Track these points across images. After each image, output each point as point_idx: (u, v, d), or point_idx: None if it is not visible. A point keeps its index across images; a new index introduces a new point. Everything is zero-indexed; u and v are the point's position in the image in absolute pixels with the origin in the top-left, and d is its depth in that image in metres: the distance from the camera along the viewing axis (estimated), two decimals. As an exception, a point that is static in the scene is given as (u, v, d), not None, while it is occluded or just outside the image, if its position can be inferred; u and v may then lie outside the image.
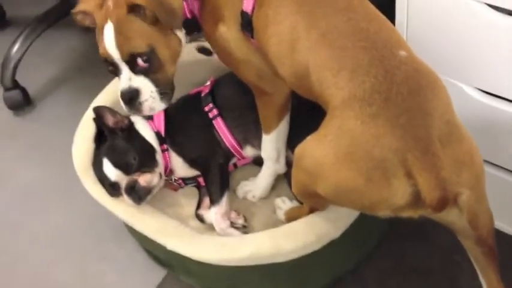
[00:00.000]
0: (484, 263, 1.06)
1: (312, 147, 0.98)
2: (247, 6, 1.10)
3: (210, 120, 1.39)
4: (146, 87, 1.17)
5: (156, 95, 1.17)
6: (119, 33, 1.12)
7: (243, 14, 1.11)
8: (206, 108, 1.40)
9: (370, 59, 0.95)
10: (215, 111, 1.39)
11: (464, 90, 1.21)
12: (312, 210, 1.22)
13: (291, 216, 1.30)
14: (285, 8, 1.05)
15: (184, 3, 1.17)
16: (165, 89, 1.18)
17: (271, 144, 1.31)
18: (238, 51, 1.17)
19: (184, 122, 1.41)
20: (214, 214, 1.35)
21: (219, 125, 1.38)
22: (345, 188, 0.95)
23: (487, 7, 1.07)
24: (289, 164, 1.34)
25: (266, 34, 1.08)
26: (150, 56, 1.13)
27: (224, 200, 1.35)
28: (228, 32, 1.15)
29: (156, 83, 1.17)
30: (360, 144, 0.92)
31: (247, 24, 1.11)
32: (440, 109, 0.95)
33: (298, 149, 1.01)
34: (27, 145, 1.86)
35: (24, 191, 1.74)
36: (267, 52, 1.10)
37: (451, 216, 0.99)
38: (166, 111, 1.42)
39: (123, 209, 1.32)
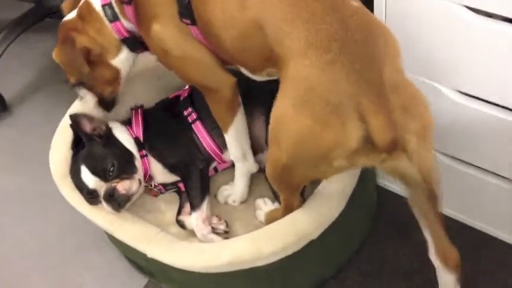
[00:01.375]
0: (433, 219, 1.10)
1: (275, 106, 1.00)
2: None
3: (189, 124, 1.37)
4: (89, 97, 1.36)
5: (97, 105, 1.37)
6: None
7: (180, 2, 1.11)
8: (185, 112, 1.38)
9: (323, 8, 0.97)
10: (194, 115, 1.38)
11: (442, 92, 1.22)
12: (287, 207, 1.21)
13: (270, 218, 1.29)
14: None
15: (118, 23, 1.23)
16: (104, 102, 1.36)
17: (233, 142, 1.32)
18: (176, 49, 1.17)
19: (163, 127, 1.40)
20: (195, 220, 1.34)
21: (198, 128, 1.37)
22: (303, 136, 0.97)
23: (465, 9, 1.07)
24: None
25: (209, 6, 1.08)
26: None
27: (205, 205, 1.34)
28: (163, 29, 1.15)
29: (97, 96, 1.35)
30: (316, 91, 0.94)
31: (185, 9, 1.11)
32: (391, 58, 0.99)
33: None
34: (3, 151, 1.84)
35: (1, 199, 1.71)
36: (211, 27, 1.09)
37: (402, 164, 1.00)
38: (144, 116, 1.41)
39: (102, 216, 1.31)
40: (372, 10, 1.19)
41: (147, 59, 1.39)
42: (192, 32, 1.14)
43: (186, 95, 1.41)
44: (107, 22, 1.24)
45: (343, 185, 1.25)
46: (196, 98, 1.39)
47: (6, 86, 1.97)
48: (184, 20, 1.13)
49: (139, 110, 1.43)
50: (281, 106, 0.99)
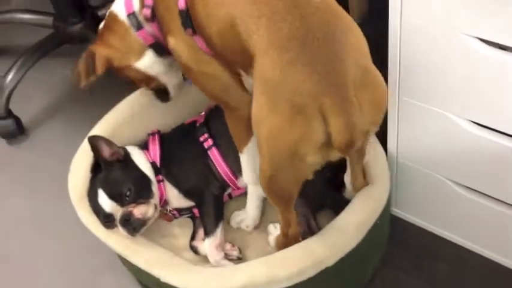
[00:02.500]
0: (358, 160, 1.26)
1: (253, 101, 1.02)
2: (181, 3, 1.14)
3: (205, 150, 1.39)
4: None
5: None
6: None
7: (181, 13, 1.15)
8: (201, 138, 1.40)
9: (285, 5, 0.97)
10: (210, 141, 1.39)
11: (456, 121, 1.23)
12: (285, 221, 1.23)
13: (278, 241, 1.31)
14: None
15: (143, 31, 1.27)
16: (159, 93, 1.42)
17: (247, 164, 1.33)
18: (191, 62, 1.20)
19: (179, 152, 1.42)
20: (208, 245, 1.35)
21: (214, 155, 1.39)
22: (273, 135, 0.99)
23: (478, 41, 1.09)
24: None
25: (198, 7, 1.11)
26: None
27: (219, 231, 1.35)
28: (176, 43, 1.20)
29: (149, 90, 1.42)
30: (281, 91, 0.96)
31: (186, 20, 1.15)
32: (355, 54, 0.98)
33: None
34: (20, 174, 1.86)
35: (17, 220, 1.73)
36: (202, 28, 1.12)
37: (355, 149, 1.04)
38: (161, 141, 1.44)
39: (116, 240, 1.32)
40: (385, 41, 1.21)
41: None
42: (198, 43, 1.17)
43: (202, 121, 1.43)
44: (133, 30, 1.29)
45: (362, 218, 1.25)
46: (212, 124, 1.41)
47: (24, 110, 2.00)
48: (187, 31, 1.16)
49: (156, 135, 1.45)
50: (257, 104, 1.01)
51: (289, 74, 0.95)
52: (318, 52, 0.95)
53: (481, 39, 1.08)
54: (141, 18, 1.28)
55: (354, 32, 1.02)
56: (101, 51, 1.31)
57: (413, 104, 1.27)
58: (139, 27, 1.29)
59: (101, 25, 1.37)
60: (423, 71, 1.20)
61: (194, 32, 1.16)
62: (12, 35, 2.29)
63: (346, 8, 1.45)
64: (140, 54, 1.32)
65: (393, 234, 1.50)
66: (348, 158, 1.27)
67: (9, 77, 1.93)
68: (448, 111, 1.23)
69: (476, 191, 1.33)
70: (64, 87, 2.08)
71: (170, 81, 1.40)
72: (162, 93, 1.43)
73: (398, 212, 1.54)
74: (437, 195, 1.40)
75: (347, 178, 1.33)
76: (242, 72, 1.18)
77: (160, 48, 1.30)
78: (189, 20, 1.15)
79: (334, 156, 1.03)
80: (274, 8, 0.98)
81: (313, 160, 1.03)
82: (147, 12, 1.24)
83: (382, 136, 1.38)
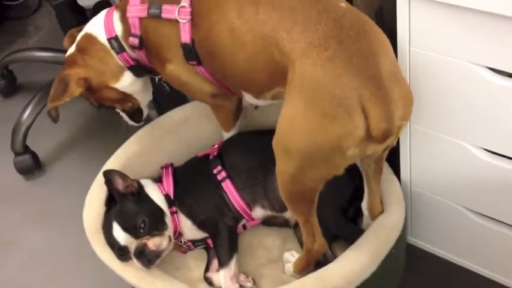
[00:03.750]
0: (375, 176, 1.26)
1: (285, 107, 1.07)
2: (185, 37, 1.21)
3: (219, 182, 1.40)
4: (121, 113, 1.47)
5: (126, 117, 1.48)
6: None
7: (184, 46, 1.21)
8: (214, 171, 1.41)
9: (317, 11, 1.06)
10: (223, 174, 1.40)
11: (468, 149, 1.23)
12: (308, 233, 1.23)
13: (298, 264, 1.31)
14: (223, 9, 1.15)
15: (124, 54, 1.32)
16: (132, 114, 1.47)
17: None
18: (192, 82, 1.30)
19: (192, 185, 1.43)
20: (223, 277, 1.34)
21: (228, 187, 1.39)
22: (315, 131, 1.03)
23: (487, 70, 1.09)
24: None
25: (212, 41, 1.17)
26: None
27: (233, 263, 1.35)
28: (176, 68, 1.27)
29: (124, 112, 1.46)
30: (322, 86, 1.01)
31: (189, 53, 1.22)
32: (385, 50, 1.07)
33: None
34: (36, 209, 1.88)
35: (33, 255, 1.74)
36: (216, 60, 1.20)
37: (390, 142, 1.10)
38: (175, 173, 1.45)
39: (132, 273, 1.32)
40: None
41: (174, 119, 1.45)
42: (199, 71, 1.26)
43: (215, 153, 1.44)
44: (113, 53, 1.34)
45: (377, 247, 1.25)
46: (225, 157, 1.43)
47: (40, 145, 2.03)
48: (191, 62, 1.24)
49: (169, 168, 1.46)
50: (291, 106, 1.06)
51: (329, 69, 1.01)
52: (353, 48, 1.03)
53: (490, 68, 1.09)
54: (123, 43, 1.32)
55: (379, 33, 1.09)
56: (76, 72, 1.33)
57: (425, 132, 1.27)
58: (121, 50, 1.32)
59: (71, 50, 1.38)
60: (433, 100, 1.21)
61: (198, 63, 1.23)
62: (29, 72, 2.34)
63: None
64: (119, 75, 1.36)
65: (409, 263, 1.49)
66: (365, 178, 1.29)
67: (26, 113, 1.97)
68: (460, 139, 1.23)
69: (491, 218, 1.32)
70: (79, 123, 2.12)
71: (144, 100, 1.45)
72: (135, 113, 1.47)
73: (414, 240, 1.53)
74: (453, 223, 1.40)
75: (364, 204, 1.34)
76: (246, 97, 1.26)
77: (139, 69, 1.35)
78: (194, 54, 1.21)
79: (372, 150, 1.08)
80: (308, 14, 1.06)
81: (353, 154, 1.06)
82: (135, 41, 1.28)
83: (395, 165, 1.38)
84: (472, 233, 1.38)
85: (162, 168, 1.47)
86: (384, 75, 1.03)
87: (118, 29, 1.32)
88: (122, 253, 1.32)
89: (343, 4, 1.10)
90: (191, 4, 1.19)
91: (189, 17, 1.19)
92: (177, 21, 1.20)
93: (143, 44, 1.28)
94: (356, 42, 1.04)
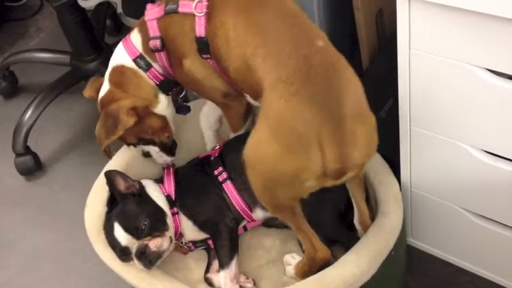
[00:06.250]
0: (357, 193, 1.29)
1: (254, 131, 1.12)
2: (200, 31, 1.23)
3: (220, 183, 1.40)
4: (152, 149, 1.46)
5: (161, 153, 1.46)
6: None
7: (198, 40, 1.24)
8: (215, 172, 1.41)
9: (292, 46, 1.10)
10: (224, 175, 1.40)
11: (469, 151, 1.23)
12: (304, 238, 1.25)
13: (300, 267, 1.32)
14: (227, 14, 1.20)
15: (152, 70, 1.34)
16: (166, 148, 1.46)
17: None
18: (205, 79, 1.31)
19: (194, 185, 1.43)
20: (223, 278, 1.35)
21: (229, 188, 1.40)
22: (276, 160, 1.08)
23: (487, 72, 1.10)
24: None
25: (216, 40, 1.21)
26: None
27: (233, 264, 1.35)
28: (192, 64, 1.28)
29: (159, 146, 1.45)
30: (285, 120, 1.06)
31: (203, 46, 1.24)
32: (352, 89, 1.09)
33: (246, 149, 1.12)
34: (37, 210, 1.88)
35: (34, 256, 1.75)
36: (219, 60, 1.23)
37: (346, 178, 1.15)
38: (176, 174, 1.45)
39: (133, 273, 1.32)
40: (396, 73, 1.23)
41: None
42: (212, 64, 1.28)
43: (216, 155, 1.45)
44: (142, 73, 1.34)
45: (376, 249, 1.25)
46: (226, 158, 1.43)
47: (42, 146, 2.04)
48: (204, 56, 1.26)
49: (171, 169, 1.47)
50: (259, 130, 1.10)
51: (292, 105, 1.06)
52: (319, 86, 1.06)
53: (490, 70, 1.10)
54: (147, 56, 1.33)
55: (350, 73, 1.12)
56: (125, 104, 1.33)
57: (425, 134, 1.27)
58: (148, 66, 1.33)
59: (103, 91, 1.38)
60: (434, 102, 1.21)
61: (210, 57, 1.26)
62: (31, 74, 2.35)
63: (356, 42, 1.48)
64: (156, 98, 1.37)
65: (410, 265, 1.49)
66: (351, 195, 1.31)
67: (27, 114, 1.97)
68: (460, 140, 1.23)
69: (491, 220, 1.32)
70: (81, 123, 2.12)
71: (174, 129, 1.45)
72: (171, 145, 1.47)
73: (414, 242, 1.53)
74: (453, 225, 1.40)
75: (355, 220, 1.35)
76: (248, 97, 1.30)
77: (167, 85, 1.36)
78: (207, 47, 1.23)
79: (330, 183, 1.13)
80: (283, 47, 1.11)
81: (312, 185, 1.12)
82: (156, 43, 1.29)
83: (395, 166, 1.39)
84: (473, 234, 1.38)
85: (163, 168, 1.48)
86: (346, 115, 1.06)
87: (137, 42, 1.33)
88: (123, 254, 1.32)
89: (321, 42, 1.13)
90: None
91: (205, 10, 1.22)
92: (193, 15, 1.23)
93: (164, 44, 1.29)
94: (323, 80, 1.07)
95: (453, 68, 1.13)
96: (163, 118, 1.40)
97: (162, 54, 1.31)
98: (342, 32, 1.49)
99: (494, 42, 1.05)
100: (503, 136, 1.17)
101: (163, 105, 1.38)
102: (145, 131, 1.39)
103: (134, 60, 1.33)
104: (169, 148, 1.47)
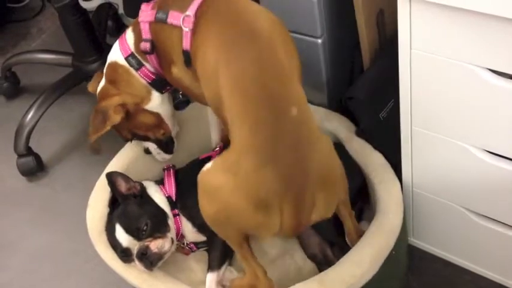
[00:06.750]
0: (344, 214, 1.31)
1: (214, 171, 1.15)
2: (186, 44, 1.23)
3: (221, 184, 1.40)
4: (151, 146, 1.48)
5: (158, 150, 1.48)
6: None
7: (184, 52, 1.24)
8: (216, 174, 1.41)
9: (267, 116, 1.10)
10: (225, 176, 1.40)
11: (470, 151, 1.23)
12: (251, 273, 1.26)
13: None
14: (208, 40, 1.19)
15: (143, 69, 1.34)
16: (165, 144, 1.47)
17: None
18: (193, 87, 1.30)
19: (194, 187, 1.42)
20: (209, 281, 1.35)
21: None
22: (235, 211, 1.12)
23: (488, 72, 1.10)
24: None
25: (197, 61, 1.22)
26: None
27: (222, 269, 1.36)
28: (180, 72, 1.29)
29: (156, 143, 1.46)
30: (251, 184, 1.10)
31: (188, 59, 1.25)
32: (320, 160, 1.13)
33: (203, 174, 1.16)
34: (39, 211, 1.88)
35: (36, 256, 1.75)
36: (200, 77, 1.23)
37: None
38: (177, 176, 1.45)
39: (134, 274, 1.33)
40: (397, 76, 1.23)
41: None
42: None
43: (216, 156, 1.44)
44: (133, 71, 1.35)
45: (377, 249, 1.25)
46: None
47: (44, 147, 2.04)
48: (190, 68, 1.26)
49: (171, 170, 1.47)
50: (222, 176, 1.12)
51: (260, 173, 1.08)
52: (287, 157, 1.09)
53: (492, 70, 1.09)
54: (139, 56, 1.34)
55: (321, 141, 1.16)
56: (112, 101, 1.35)
57: (426, 133, 1.27)
58: (139, 65, 1.34)
59: (101, 84, 1.41)
60: (435, 102, 1.21)
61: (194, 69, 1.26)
62: (32, 74, 2.35)
63: (357, 42, 1.47)
64: (148, 95, 1.38)
65: (411, 264, 1.49)
66: (337, 213, 1.32)
67: (29, 115, 1.97)
68: (462, 140, 1.23)
69: (493, 219, 1.32)
70: (82, 124, 2.12)
71: (174, 128, 1.46)
72: (167, 143, 1.48)
73: (415, 241, 1.53)
74: (455, 225, 1.40)
75: (346, 238, 1.35)
76: None
77: (160, 83, 1.37)
78: (190, 60, 1.24)
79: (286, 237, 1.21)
80: (260, 117, 1.10)
81: (265, 238, 1.26)
82: (146, 45, 1.30)
83: (397, 166, 1.39)
84: (474, 234, 1.38)
85: (164, 170, 1.48)
86: (308, 185, 1.11)
87: (130, 41, 1.34)
88: (124, 255, 1.33)
89: (295, 109, 1.11)
90: (195, 14, 1.21)
91: (191, 27, 1.21)
92: (181, 27, 1.23)
93: (154, 48, 1.30)
94: (291, 151, 1.09)
95: (454, 67, 1.13)
96: (157, 115, 1.41)
97: (153, 56, 1.32)
98: (343, 32, 1.49)
99: (495, 42, 1.05)
100: (504, 136, 1.17)
101: (156, 102, 1.39)
102: (138, 127, 1.41)
103: (126, 59, 1.35)
104: (165, 145, 1.47)
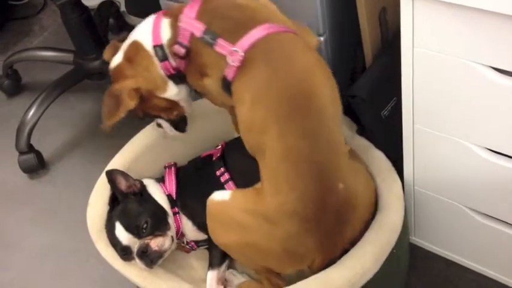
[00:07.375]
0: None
1: (237, 209, 1.22)
2: (229, 73, 1.20)
3: (222, 184, 1.39)
4: (163, 122, 1.45)
5: (171, 127, 1.46)
6: None
7: (224, 79, 1.22)
8: (218, 173, 1.40)
9: (314, 189, 1.15)
10: (226, 176, 1.39)
11: (473, 149, 1.23)
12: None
13: None
14: (261, 104, 1.17)
15: (166, 62, 1.30)
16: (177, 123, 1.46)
17: None
18: (219, 99, 1.31)
19: (194, 186, 1.43)
20: (209, 279, 1.35)
21: (231, 189, 1.39)
22: (265, 252, 1.20)
23: (491, 70, 1.09)
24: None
25: (238, 99, 1.21)
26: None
27: (223, 267, 1.35)
28: (213, 84, 1.26)
29: (168, 121, 1.44)
30: (290, 242, 1.18)
31: (226, 86, 1.23)
32: (356, 226, 1.24)
33: (218, 205, 1.25)
34: (40, 208, 1.88)
35: (37, 254, 1.75)
36: (240, 122, 1.24)
37: None
38: (177, 174, 1.45)
39: (135, 272, 1.32)
40: (399, 74, 1.22)
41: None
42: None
43: (218, 155, 1.44)
44: (156, 61, 1.30)
45: (378, 248, 1.25)
46: (228, 158, 1.42)
47: (45, 145, 2.04)
48: (225, 91, 1.24)
49: (172, 168, 1.46)
50: (253, 218, 1.20)
51: (300, 237, 1.17)
52: (327, 229, 1.17)
53: (494, 68, 1.09)
54: (167, 50, 1.29)
55: (365, 206, 1.27)
56: (127, 84, 1.30)
57: (428, 132, 1.27)
58: (164, 58, 1.29)
59: (117, 60, 1.35)
60: (437, 100, 1.21)
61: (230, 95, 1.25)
62: (34, 72, 2.35)
63: (359, 40, 1.47)
64: (164, 85, 1.33)
65: (413, 263, 1.49)
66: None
67: (31, 112, 1.98)
68: (464, 138, 1.23)
69: (494, 218, 1.32)
70: (83, 122, 2.13)
71: (188, 107, 1.42)
72: (180, 122, 1.45)
73: (417, 240, 1.53)
74: (456, 223, 1.40)
75: None
76: None
77: (179, 78, 1.33)
78: (229, 89, 1.23)
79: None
80: (306, 188, 1.15)
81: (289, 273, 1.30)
82: (181, 50, 1.25)
83: (398, 164, 1.38)
84: (476, 233, 1.38)
85: (165, 167, 1.48)
86: (344, 241, 1.22)
87: (165, 35, 1.28)
88: (124, 253, 1.32)
89: (342, 185, 1.17)
90: (245, 52, 1.17)
91: (238, 64, 1.18)
92: (226, 56, 1.19)
93: (188, 55, 1.26)
94: (333, 224, 1.18)
95: (457, 65, 1.12)
96: (171, 101, 1.36)
97: (183, 62, 1.28)
98: (345, 30, 1.48)
99: (498, 39, 1.04)
100: (507, 134, 1.16)
101: (172, 92, 1.34)
102: (152, 109, 1.37)
103: (154, 47, 1.29)
104: (178, 123, 1.44)
